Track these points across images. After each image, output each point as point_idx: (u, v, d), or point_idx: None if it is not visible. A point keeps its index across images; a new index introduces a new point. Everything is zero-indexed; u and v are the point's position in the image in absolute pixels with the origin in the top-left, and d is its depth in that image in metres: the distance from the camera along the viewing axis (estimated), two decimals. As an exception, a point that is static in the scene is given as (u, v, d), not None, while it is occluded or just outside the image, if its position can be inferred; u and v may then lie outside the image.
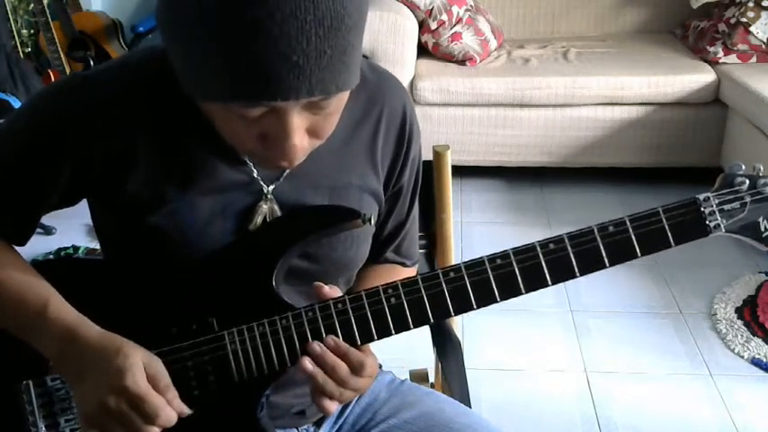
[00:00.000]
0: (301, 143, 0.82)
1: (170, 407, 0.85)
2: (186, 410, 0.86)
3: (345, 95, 0.83)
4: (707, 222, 0.88)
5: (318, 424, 1.12)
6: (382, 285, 0.89)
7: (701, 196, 0.88)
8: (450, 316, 0.90)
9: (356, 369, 0.88)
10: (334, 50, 0.74)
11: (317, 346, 0.88)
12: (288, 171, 0.96)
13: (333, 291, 0.90)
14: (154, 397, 0.83)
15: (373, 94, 1.01)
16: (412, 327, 0.89)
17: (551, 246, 0.88)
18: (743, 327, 2.41)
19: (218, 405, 0.91)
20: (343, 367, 0.87)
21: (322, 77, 0.75)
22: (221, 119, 0.83)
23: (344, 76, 0.78)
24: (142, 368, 0.84)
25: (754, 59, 3.31)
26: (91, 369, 0.85)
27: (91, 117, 0.90)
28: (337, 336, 0.88)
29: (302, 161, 0.94)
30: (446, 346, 1.27)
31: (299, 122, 0.80)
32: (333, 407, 0.89)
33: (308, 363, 0.87)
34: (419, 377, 1.43)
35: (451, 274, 0.88)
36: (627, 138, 3.31)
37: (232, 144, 0.87)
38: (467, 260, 0.89)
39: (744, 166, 0.89)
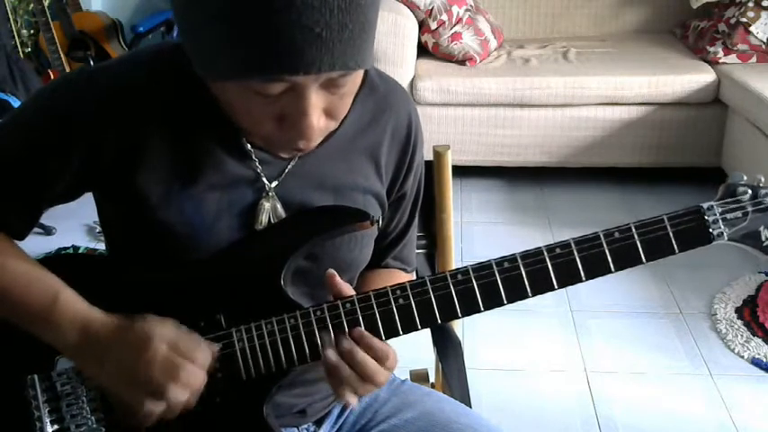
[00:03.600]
0: (318, 123, 0.82)
1: (201, 347, 0.86)
2: (216, 347, 0.88)
3: (360, 75, 0.84)
4: (710, 230, 0.90)
5: (319, 423, 1.12)
6: (391, 286, 0.90)
7: (705, 205, 0.90)
8: (458, 317, 0.91)
9: (381, 359, 0.88)
10: (354, 24, 0.75)
11: (346, 343, 0.88)
12: (290, 168, 0.96)
13: (346, 288, 0.91)
14: (183, 344, 0.85)
15: (381, 102, 1.02)
16: (419, 327, 0.90)
17: (558, 250, 0.89)
18: (743, 327, 2.41)
19: (224, 402, 0.91)
20: (370, 362, 0.87)
21: (343, 51, 0.76)
22: (239, 101, 0.83)
23: (363, 53, 0.79)
24: (159, 331, 0.86)
25: (754, 59, 3.32)
26: (112, 349, 0.86)
27: (99, 110, 0.90)
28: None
29: (306, 161, 0.96)
30: (446, 346, 1.27)
31: (316, 101, 0.81)
32: (355, 399, 0.89)
33: (331, 354, 0.87)
34: (419, 377, 1.43)
35: (459, 277, 0.89)
36: (627, 138, 3.32)
37: (248, 129, 0.87)
38: (474, 263, 0.90)
39: (745, 177, 0.92)
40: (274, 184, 0.95)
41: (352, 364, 0.87)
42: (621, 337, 2.43)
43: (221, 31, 0.76)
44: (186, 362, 0.85)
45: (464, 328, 2.41)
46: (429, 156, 1.29)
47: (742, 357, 2.30)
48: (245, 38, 0.75)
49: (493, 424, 1.10)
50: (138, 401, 0.86)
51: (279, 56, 0.75)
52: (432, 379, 1.47)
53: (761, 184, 0.91)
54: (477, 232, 3.09)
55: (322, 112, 0.83)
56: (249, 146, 0.93)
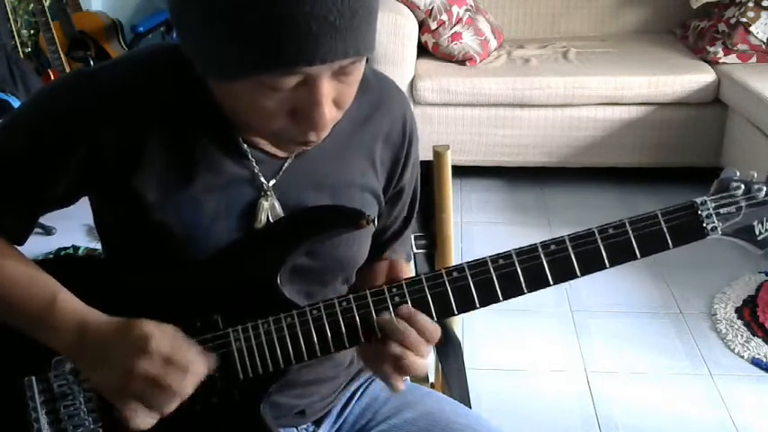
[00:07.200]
0: (330, 113, 0.83)
1: (198, 358, 0.86)
2: (213, 358, 0.88)
3: (363, 65, 0.85)
4: (704, 225, 0.90)
5: (318, 423, 1.12)
6: (386, 285, 0.90)
7: (699, 200, 0.90)
8: (454, 314, 0.91)
9: (431, 338, 0.90)
10: (363, 10, 0.77)
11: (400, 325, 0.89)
12: (286, 167, 0.96)
13: None
14: (182, 350, 0.85)
15: (376, 99, 1.02)
16: None
17: (553, 247, 0.89)
18: (743, 327, 2.41)
19: (222, 402, 0.91)
20: (414, 336, 0.89)
21: (354, 37, 0.77)
22: (247, 99, 0.82)
23: (370, 39, 0.81)
24: (159, 332, 0.85)
25: (754, 59, 3.32)
26: (111, 348, 0.86)
27: (100, 109, 0.90)
28: (341, 334, 0.89)
29: (303, 159, 0.96)
30: (446, 346, 1.27)
31: (328, 90, 0.81)
32: (401, 383, 0.91)
33: (386, 315, 0.89)
34: (419, 377, 1.43)
35: (455, 274, 0.90)
36: (627, 138, 3.32)
37: (257, 126, 0.87)
38: (470, 260, 0.90)
39: (738, 173, 0.92)
40: (272, 182, 0.96)
41: (403, 339, 0.88)
42: (621, 337, 2.42)
43: (231, 30, 0.76)
44: (180, 371, 0.84)
45: (464, 327, 2.40)
46: (429, 156, 1.29)
47: (742, 357, 2.30)
48: (258, 34, 0.75)
49: (493, 424, 1.10)
50: (126, 404, 0.85)
51: (295, 48, 0.75)
52: (431, 379, 1.46)
53: (754, 180, 0.91)
54: (477, 232, 3.09)
55: (332, 102, 0.83)
56: (245, 145, 0.93)
